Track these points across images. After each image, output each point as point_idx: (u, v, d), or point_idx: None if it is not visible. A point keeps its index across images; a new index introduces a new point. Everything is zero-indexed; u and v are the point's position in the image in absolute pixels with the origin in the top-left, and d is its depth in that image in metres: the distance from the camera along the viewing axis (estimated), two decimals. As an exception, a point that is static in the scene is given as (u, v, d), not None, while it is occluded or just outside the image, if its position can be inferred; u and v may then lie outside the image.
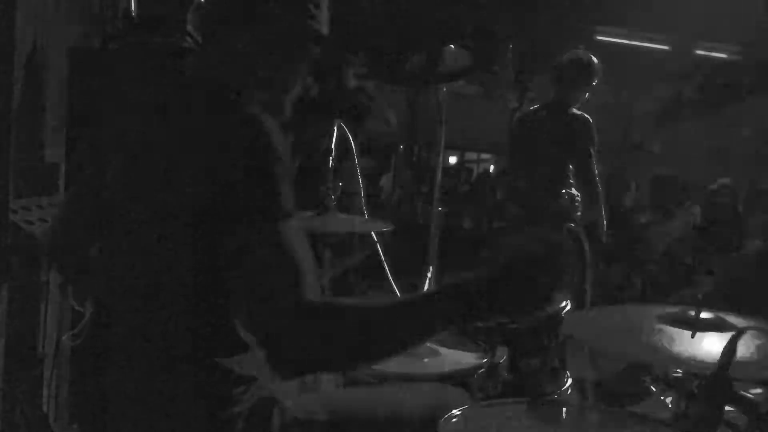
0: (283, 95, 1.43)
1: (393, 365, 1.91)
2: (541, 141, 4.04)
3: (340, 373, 1.34)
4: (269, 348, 1.11)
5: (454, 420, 1.41)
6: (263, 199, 1.16)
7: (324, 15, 1.42)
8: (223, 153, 1.19)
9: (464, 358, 2.00)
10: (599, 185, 3.95)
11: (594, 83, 4.00)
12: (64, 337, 2.31)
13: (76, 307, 2.32)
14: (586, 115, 3.95)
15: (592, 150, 3.91)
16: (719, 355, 1.19)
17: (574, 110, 3.98)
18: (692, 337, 1.37)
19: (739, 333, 1.20)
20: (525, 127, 4.22)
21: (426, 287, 3.04)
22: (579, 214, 3.77)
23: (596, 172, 3.92)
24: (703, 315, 1.43)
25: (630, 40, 7.81)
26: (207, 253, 1.20)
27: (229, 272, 1.15)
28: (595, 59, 4.02)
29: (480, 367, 1.90)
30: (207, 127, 1.24)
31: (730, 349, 1.19)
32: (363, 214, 2.74)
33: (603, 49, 7.81)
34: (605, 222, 4.05)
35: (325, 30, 1.42)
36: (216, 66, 1.36)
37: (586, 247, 2.97)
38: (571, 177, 3.98)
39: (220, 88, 1.30)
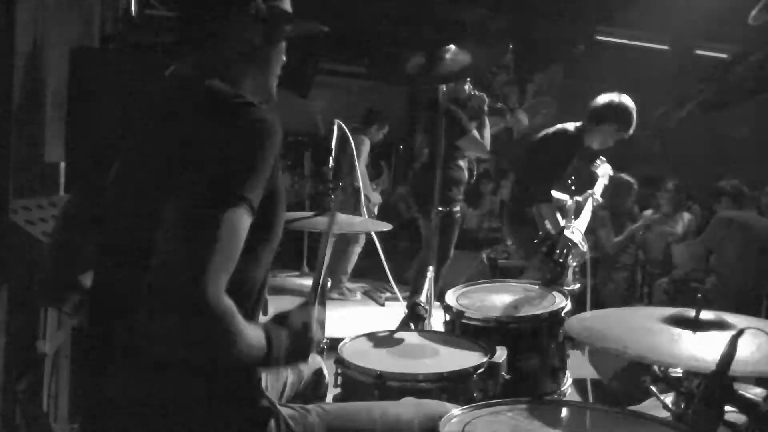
0: (269, 78, 1.46)
1: (394, 366, 1.91)
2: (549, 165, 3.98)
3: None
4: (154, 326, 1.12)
5: (454, 420, 1.41)
6: (223, 180, 1.17)
7: None
8: (224, 150, 1.20)
9: (464, 358, 2.00)
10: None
11: (626, 135, 3.92)
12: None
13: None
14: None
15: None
16: (719, 355, 1.19)
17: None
18: (693, 333, 1.37)
19: (739, 333, 1.20)
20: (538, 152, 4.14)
21: (426, 286, 3.04)
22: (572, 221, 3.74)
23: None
24: (703, 315, 1.43)
25: (630, 40, 7.79)
26: None
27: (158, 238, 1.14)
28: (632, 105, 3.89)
29: (480, 367, 1.90)
30: (210, 128, 1.24)
31: (730, 349, 1.19)
32: (363, 214, 2.75)
33: (603, 49, 7.83)
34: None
35: (287, 7, 1.45)
36: (200, 63, 1.38)
37: (586, 249, 2.99)
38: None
39: (215, 89, 1.31)
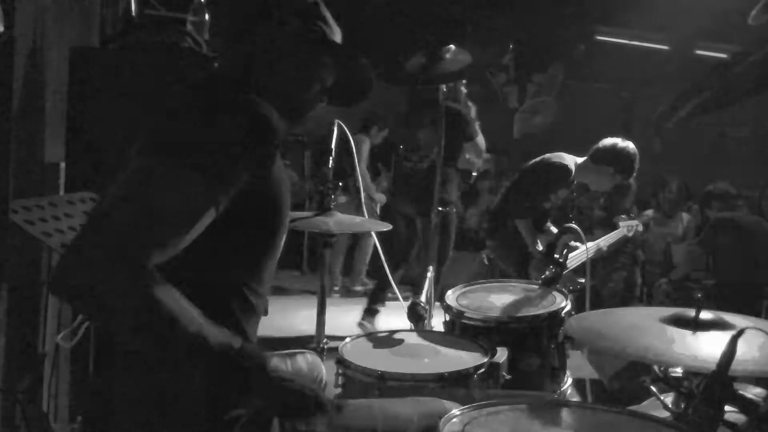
0: (300, 100, 1.47)
1: (394, 366, 1.91)
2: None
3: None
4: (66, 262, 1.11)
5: (454, 420, 1.41)
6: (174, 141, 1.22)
7: (332, 24, 1.46)
8: (223, 151, 1.20)
9: (464, 358, 2.00)
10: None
11: (625, 182, 3.96)
12: (58, 338, 2.28)
13: None
14: None
15: None
16: (719, 355, 1.19)
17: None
18: (693, 333, 1.37)
19: (739, 333, 1.20)
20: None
21: (426, 286, 3.04)
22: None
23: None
24: (703, 315, 1.43)
25: (630, 40, 7.79)
26: (208, 252, 1.21)
27: None
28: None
29: (480, 367, 1.90)
30: (210, 128, 1.24)
31: (730, 349, 1.19)
32: (363, 213, 2.75)
33: (603, 49, 7.83)
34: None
35: (337, 38, 1.46)
36: (237, 69, 1.40)
37: (583, 281, 3.06)
38: None
39: (226, 88, 1.32)
